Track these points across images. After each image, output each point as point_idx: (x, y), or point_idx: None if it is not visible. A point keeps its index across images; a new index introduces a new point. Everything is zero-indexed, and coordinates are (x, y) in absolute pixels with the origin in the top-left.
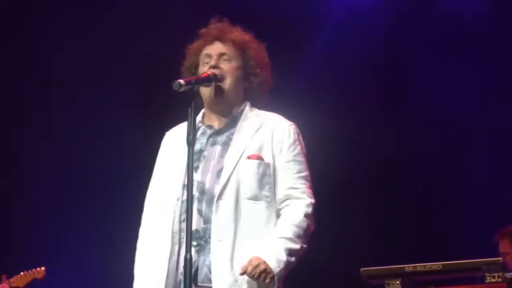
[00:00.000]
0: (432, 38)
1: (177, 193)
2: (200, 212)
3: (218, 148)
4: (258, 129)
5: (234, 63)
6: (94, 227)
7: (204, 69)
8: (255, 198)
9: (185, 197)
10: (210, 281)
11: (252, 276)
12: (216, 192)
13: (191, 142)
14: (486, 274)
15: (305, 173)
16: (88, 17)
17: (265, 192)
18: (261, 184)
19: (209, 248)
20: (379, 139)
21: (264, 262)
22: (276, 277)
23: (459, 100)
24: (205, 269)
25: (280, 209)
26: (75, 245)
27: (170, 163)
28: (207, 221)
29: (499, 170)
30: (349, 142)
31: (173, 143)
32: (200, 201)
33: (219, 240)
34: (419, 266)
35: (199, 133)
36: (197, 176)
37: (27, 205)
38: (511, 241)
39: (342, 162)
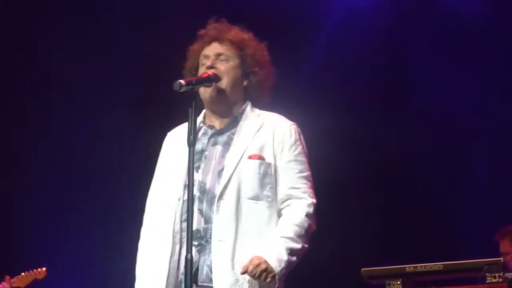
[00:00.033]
0: (432, 38)
1: (178, 193)
2: (201, 212)
3: (219, 148)
4: (259, 129)
5: (231, 63)
6: (94, 227)
7: (202, 71)
8: (256, 198)
9: (186, 197)
10: (211, 280)
11: (253, 276)
12: (217, 192)
13: (191, 142)
14: (486, 274)
15: (306, 173)
16: (88, 17)
17: (266, 192)
18: (262, 184)
19: (210, 248)
20: (379, 139)
21: (265, 261)
22: (277, 277)
23: (459, 100)
24: (206, 268)
25: (282, 209)
26: (75, 245)
27: (172, 163)
28: (208, 221)
29: (499, 170)
30: (350, 142)
31: (175, 143)
32: (201, 201)
33: (220, 240)
34: (420, 266)
35: (200, 133)
36: (198, 176)
37: (27, 205)
38: (511, 240)
39: (343, 162)
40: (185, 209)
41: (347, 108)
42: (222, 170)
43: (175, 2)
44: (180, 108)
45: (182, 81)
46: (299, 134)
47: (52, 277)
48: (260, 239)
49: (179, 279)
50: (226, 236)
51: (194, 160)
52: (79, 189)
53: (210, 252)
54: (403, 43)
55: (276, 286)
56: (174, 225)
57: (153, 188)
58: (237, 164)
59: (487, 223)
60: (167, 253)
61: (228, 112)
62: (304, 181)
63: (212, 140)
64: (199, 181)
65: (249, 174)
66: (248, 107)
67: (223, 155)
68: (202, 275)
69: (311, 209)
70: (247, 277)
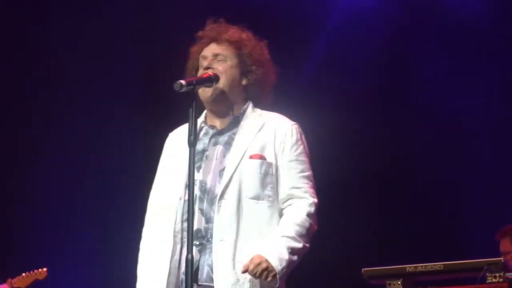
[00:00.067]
0: (432, 38)
1: (179, 192)
2: (202, 211)
3: (220, 148)
4: (261, 128)
5: (229, 62)
6: (94, 227)
7: (200, 72)
8: (257, 197)
9: (187, 196)
10: (212, 280)
11: (254, 274)
12: (218, 191)
13: (192, 142)
14: (487, 274)
15: (307, 173)
16: (88, 17)
17: (267, 192)
18: (263, 183)
19: (211, 248)
20: (380, 139)
21: (266, 260)
22: (278, 276)
23: (459, 100)
24: (207, 268)
25: (283, 209)
26: (76, 245)
27: (173, 163)
28: (209, 220)
29: (499, 170)
30: (350, 142)
31: (176, 143)
32: (202, 200)
33: (221, 240)
34: (421, 266)
35: (202, 133)
36: (199, 176)
37: (27, 205)
38: None
39: (343, 162)
40: (186, 209)
41: (348, 108)
42: (223, 169)
43: (175, 2)
44: (181, 108)
45: (182, 81)
46: (300, 134)
47: (52, 277)
48: (261, 238)
49: (180, 278)
50: (227, 236)
51: (195, 160)
52: (79, 189)
53: (211, 251)
54: (404, 43)
55: (277, 285)
56: (175, 225)
57: (154, 188)
58: (238, 163)
59: (487, 223)
60: (168, 253)
61: (229, 112)
62: (306, 180)
63: (213, 140)
64: (200, 180)
65: (250, 173)
66: (250, 107)
67: (224, 155)
68: (203, 275)
69: (312, 209)
70: (248, 276)
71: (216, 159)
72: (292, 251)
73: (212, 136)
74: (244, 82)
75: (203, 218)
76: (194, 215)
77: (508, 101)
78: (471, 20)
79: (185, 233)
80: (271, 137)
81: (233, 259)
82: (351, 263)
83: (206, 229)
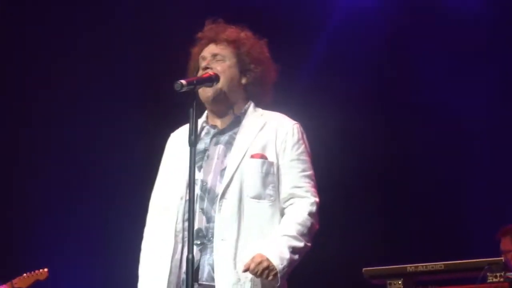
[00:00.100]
0: (432, 38)
1: (180, 192)
2: (203, 211)
3: (221, 147)
4: (262, 128)
5: (227, 62)
6: (94, 227)
7: (200, 73)
8: (258, 197)
9: (188, 196)
10: (213, 279)
11: (254, 273)
12: (219, 191)
13: (192, 142)
14: (488, 274)
15: (309, 172)
16: (88, 17)
17: (269, 191)
18: (264, 183)
19: (212, 247)
20: (380, 139)
21: (267, 259)
22: (279, 275)
23: (460, 100)
24: (208, 267)
25: (284, 208)
26: (76, 245)
27: (174, 163)
28: (210, 220)
29: (499, 170)
30: (350, 142)
31: (177, 143)
32: (203, 200)
33: (222, 239)
34: (421, 266)
35: (203, 133)
36: (200, 175)
37: (27, 205)
38: None
39: (344, 162)
40: (187, 208)
41: (348, 108)
42: (224, 169)
43: (175, 2)
44: (181, 108)
45: (183, 81)
46: (302, 133)
47: (53, 277)
48: (262, 238)
49: (182, 278)
50: (228, 235)
51: (196, 160)
52: (79, 189)
53: (212, 251)
54: (404, 43)
55: (278, 284)
56: (176, 224)
57: (156, 188)
58: (240, 163)
59: (488, 223)
60: (169, 253)
61: (229, 111)
62: (307, 180)
63: (214, 139)
64: (201, 180)
65: (251, 173)
66: (251, 107)
67: (225, 155)
68: (204, 274)
69: (314, 208)
70: (249, 276)
71: (217, 158)
72: (293, 250)
73: (213, 136)
74: (243, 81)
75: (204, 218)
76: (195, 214)
77: (508, 101)
78: (471, 20)
79: (186, 233)
80: (272, 136)
81: (234, 258)
82: (351, 262)
83: (207, 229)
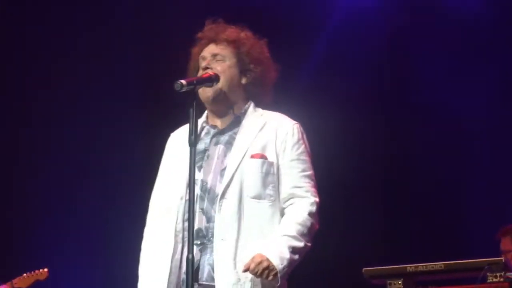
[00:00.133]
0: (432, 38)
1: (180, 192)
2: (203, 211)
3: (221, 147)
4: (262, 128)
5: (227, 62)
6: (94, 227)
7: (200, 73)
8: (258, 197)
9: (188, 196)
10: (213, 279)
11: (254, 273)
12: (219, 191)
13: (192, 142)
14: (488, 274)
15: (309, 172)
16: (88, 17)
17: (269, 191)
18: (264, 183)
19: (212, 247)
20: (380, 139)
21: (267, 259)
22: (279, 275)
23: (460, 100)
24: (208, 267)
25: (284, 208)
26: (76, 245)
27: (174, 163)
28: (210, 220)
29: (499, 170)
30: (351, 142)
31: (177, 143)
32: (203, 200)
33: (222, 239)
34: (421, 266)
35: (203, 133)
36: (200, 175)
37: (27, 205)
38: None
39: (344, 162)
40: (187, 208)
41: (348, 108)
42: (224, 169)
43: (175, 2)
44: (181, 108)
45: (183, 81)
46: (302, 133)
47: (53, 277)
48: (262, 238)
49: (182, 278)
50: (228, 235)
51: (196, 160)
52: (79, 189)
53: (212, 251)
54: (404, 43)
55: (278, 284)
56: (176, 224)
57: (156, 188)
58: (240, 163)
59: (487, 223)
60: (169, 253)
61: (229, 111)
62: (307, 180)
63: (214, 139)
64: (201, 180)
65: (251, 173)
66: (251, 107)
67: (225, 154)
68: (204, 274)
69: (314, 208)
70: (249, 276)
71: (217, 158)
72: (294, 250)
73: (214, 136)
74: (243, 81)
75: (204, 218)
76: (195, 214)
77: (508, 101)
78: (471, 20)
79: (186, 233)
80: (272, 136)
81: (234, 258)
82: (351, 262)
83: (207, 229)
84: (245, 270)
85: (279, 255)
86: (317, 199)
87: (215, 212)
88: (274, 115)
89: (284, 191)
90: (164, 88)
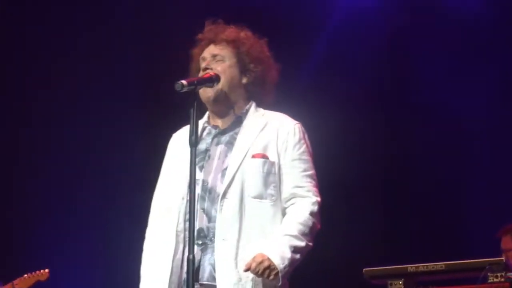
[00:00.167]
0: (432, 38)
1: (181, 192)
2: (204, 211)
3: (222, 147)
4: (263, 128)
5: (227, 62)
6: (94, 227)
7: (200, 74)
8: (260, 196)
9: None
10: (214, 279)
11: (256, 273)
12: (220, 191)
13: (193, 142)
14: (488, 274)
15: (310, 172)
16: (88, 17)
17: (270, 191)
18: (266, 182)
19: (213, 247)
20: (380, 139)
21: (268, 259)
22: (280, 274)
23: (460, 100)
24: (209, 267)
25: (286, 208)
26: (76, 246)
27: (176, 164)
28: (211, 220)
29: (499, 170)
30: (350, 142)
31: (179, 144)
32: (204, 200)
33: (223, 239)
34: (422, 266)
35: (205, 133)
36: (201, 175)
37: (27, 205)
38: None
39: (345, 162)
40: (188, 208)
41: (348, 108)
42: (225, 169)
43: (175, 2)
44: (181, 109)
45: (183, 81)
46: (303, 133)
47: (53, 277)
48: (264, 238)
49: (183, 278)
50: (229, 235)
51: (197, 160)
52: (79, 189)
53: (213, 251)
54: (404, 43)
55: (279, 283)
56: (177, 225)
57: (158, 189)
58: (241, 163)
59: (488, 223)
60: (170, 253)
61: (230, 112)
62: (309, 179)
63: (215, 139)
64: (202, 180)
65: (252, 173)
66: (252, 107)
67: (226, 154)
68: (205, 274)
69: (315, 208)
70: (250, 275)
71: (219, 158)
72: (295, 249)
73: (215, 136)
74: (244, 81)
75: (206, 218)
76: (196, 214)
77: (508, 101)
78: (471, 20)
79: (187, 233)
80: (273, 136)
81: (236, 258)
82: (352, 263)
83: (209, 228)
84: (246, 270)
85: (280, 254)
86: (318, 199)
87: (216, 212)
88: (275, 115)
89: (286, 191)
90: (164, 88)
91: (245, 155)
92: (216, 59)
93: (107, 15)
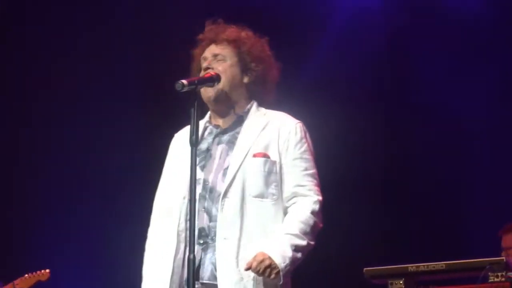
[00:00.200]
0: (432, 38)
1: (183, 192)
2: (205, 210)
3: (223, 146)
4: (264, 127)
5: (229, 62)
6: (94, 227)
7: (201, 74)
8: (261, 195)
9: None
10: (215, 278)
11: (257, 272)
12: (221, 190)
13: (194, 142)
14: (489, 273)
15: (312, 171)
16: (88, 17)
17: (271, 190)
18: (267, 181)
19: (215, 246)
20: (380, 139)
21: (269, 258)
22: (281, 273)
23: (460, 100)
24: (210, 266)
25: (287, 207)
26: (76, 246)
27: (177, 163)
28: (212, 219)
29: (499, 170)
30: (350, 142)
31: (181, 144)
32: (206, 199)
33: (224, 238)
34: (422, 265)
35: (206, 132)
36: (203, 175)
37: (27, 205)
38: None
39: (344, 162)
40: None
41: (348, 108)
42: (226, 168)
43: (175, 2)
44: (181, 108)
45: (184, 81)
46: (304, 132)
47: (54, 277)
48: (265, 237)
49: (184, 278)
50: (231, 234)
51: (199, 159)
52: (79, 189)
53: (214, 250)
54: (404, 43)
55: (281, 282)
56: (179, 224)
57: (159, 188)
58: (242, 162)
59: (488, 223)
60: (171, 252)
61: (231, 111)
62: (310, 178)
63: (216, 139)
64: (203, 179)
65: (254, 172)
66: (254, 106)
67: (227, 154)
68: (207, 273)
69: (317, 207)
70: (251, 274)
71: (220, 158)
72: (296, 248)
73: (216, 135)
74: (245, 80)
75: (207, 217)
76: (198, 213)
77: (508, 101)
78: (471, 20)
79: (188, 232)
80: (275, 135)
81: (237, 257)
82: (352, 262)
83: (210, 228)
84: (247, 269)
85: (281, 253)
86: (320, 198)
87: (217, 211)
88: (277, 114)
89: (287, 190)
90: (164, 88)
91: (246, 154)
92: (217, 58)
93: (107, 15)
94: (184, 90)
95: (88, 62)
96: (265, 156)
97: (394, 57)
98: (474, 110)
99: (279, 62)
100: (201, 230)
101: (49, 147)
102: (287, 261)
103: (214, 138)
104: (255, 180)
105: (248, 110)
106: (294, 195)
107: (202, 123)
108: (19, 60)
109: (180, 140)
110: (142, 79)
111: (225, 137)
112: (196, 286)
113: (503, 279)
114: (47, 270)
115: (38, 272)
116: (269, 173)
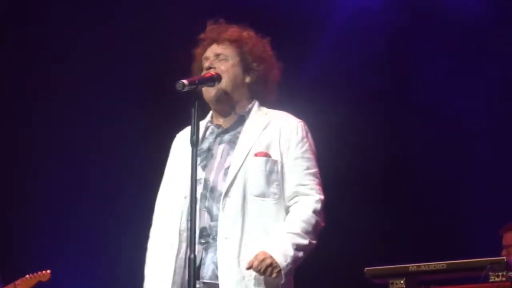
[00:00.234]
0: (432, 38)
1: (184, 191)
2: (207, 209)
3: (224, 146)
4: (266, 127)
5: (230, 61)
6: (94, 227)
7: (203, 73)
8: (262, 195)
9: None
10: (217, 278)
11: (258, 271)
12: (223, 189)
13: (194, 142)
14: (490, 273)
15: (313, 170)
16: (88, 17)
17: (273, 189)
18: (268, 181)
19: (216, 246)
20: (380, 139)
21: (271, 257)
22: (282, 272)
23: (459, 100)
24: (212, 266)
25: (289, 206)
26: (76, 246)
27: (179, 163)
28: (214, 218)
29: (499, 170)
30: (350, 142)
31: (182, 144)
32: (207, 199)
33: (226, 238)
34: (423, 265)
35: (208, 132)
36: (204, 174)
37: (27, 205)
38: None
39: (344, 162)
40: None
41: (348, 108)
42: (228, 168)
43: (175, 2)
44: (182, 108)
45: (185, 81)
46: (306, 132)
47: (54, 277)
48: (266, 236)
49: (186, 277)
50: (232, 234)
51: (200, 159)
52: (79, 189)
53: (216, 249)
54: (404, 43)
55: (282, 281)
56: (180, 224)
57: (161, 188)
58: (243, 161)
59: (488, 223)
60: (173, 252)
61: (233, 111)
62: (312, 177)
63: (218, 138)
64: (205, 179)
65: (255, 171)
66: (255, 106)
67: (228, 153)
68: (208, 272)
69: (318, 206)
70: (253, 274)
71: (221, 157)
72: (297, 247)
73: (217, 135)
74: (247, 80)
75: (209, 216)
76: (199, 213)
77: (508, 101)
78: (471, 20)
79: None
80: (276, 135)
81: (238, 256)
82: (353, 262)
83: (211, 227)
84: (249, 268)
85: (282, 252)
86: (322, 197)
87: (218, 210)
88: (278, 114)
89: (289, 189)
90: (165, 88)
91: (248, 154)
92: (219, 58)
93: (107, 15)
94: (185, 90)
95: (88, 62)
96: (267, 155)
97: (394, 57)
98: (474, 110)
99: (279, 62)
100: (203, 229)
101: (49, 147)
102: (289, 260)
103: (215, 138)
104: (257, 179)
105: (250, 110)
106: (296, 194)
107: (203, 123)
108: (19, 60)
109: (182, 140)
110: (142, 79)
111: (227, 137)
112: (198, 285)
113: (503, 278)
114: (48, 271)
115: (39, 272)
116: (270, 173)
